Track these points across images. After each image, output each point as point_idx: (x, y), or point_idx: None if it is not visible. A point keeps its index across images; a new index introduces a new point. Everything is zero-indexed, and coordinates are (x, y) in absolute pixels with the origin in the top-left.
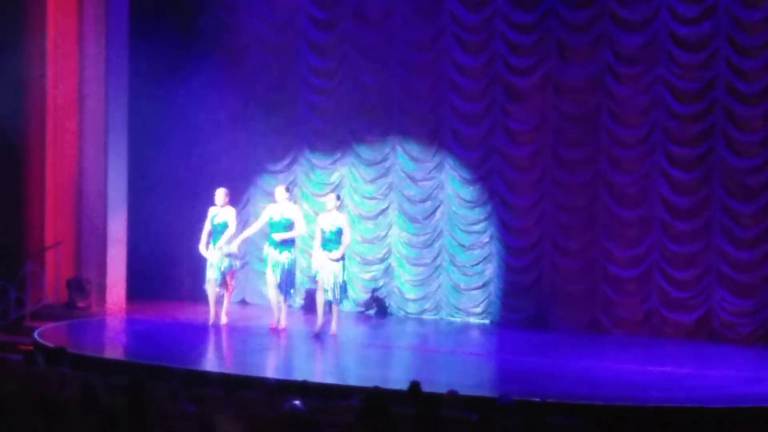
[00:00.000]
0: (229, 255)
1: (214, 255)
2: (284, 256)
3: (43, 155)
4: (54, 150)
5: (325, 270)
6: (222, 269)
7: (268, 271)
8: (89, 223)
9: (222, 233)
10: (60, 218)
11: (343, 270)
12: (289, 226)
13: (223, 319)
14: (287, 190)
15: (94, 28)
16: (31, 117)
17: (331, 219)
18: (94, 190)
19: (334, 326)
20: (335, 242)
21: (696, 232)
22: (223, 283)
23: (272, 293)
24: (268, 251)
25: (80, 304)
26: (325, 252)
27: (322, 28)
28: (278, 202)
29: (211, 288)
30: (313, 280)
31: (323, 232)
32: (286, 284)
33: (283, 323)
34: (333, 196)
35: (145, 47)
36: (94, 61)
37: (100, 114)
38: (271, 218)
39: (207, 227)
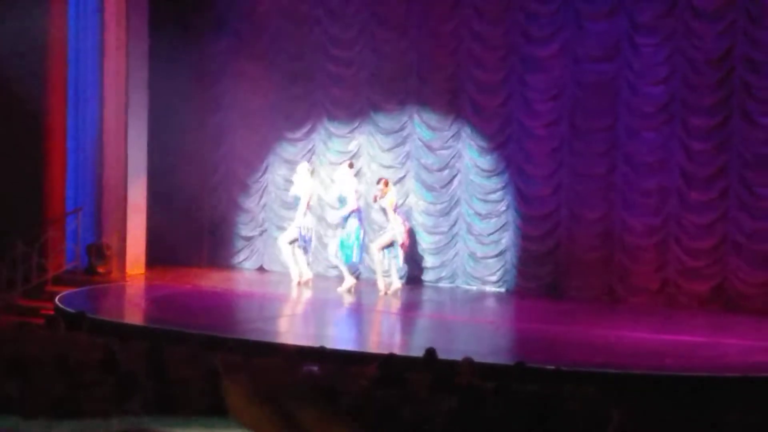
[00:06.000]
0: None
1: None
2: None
3: (63, 120)
4: (75, 114)
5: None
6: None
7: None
8: (109, 188)
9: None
10: (80, 184)
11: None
12: (342, 201)
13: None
14: (351, 166)
15: None
16: (52, 80)
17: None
18: (115, 155)
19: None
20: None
21: (712, 201)
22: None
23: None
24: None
25: (100, 270)
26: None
27: None
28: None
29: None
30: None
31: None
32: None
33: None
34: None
35: (164, 12)
36: (114, 21)
37: (121, 78)
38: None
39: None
